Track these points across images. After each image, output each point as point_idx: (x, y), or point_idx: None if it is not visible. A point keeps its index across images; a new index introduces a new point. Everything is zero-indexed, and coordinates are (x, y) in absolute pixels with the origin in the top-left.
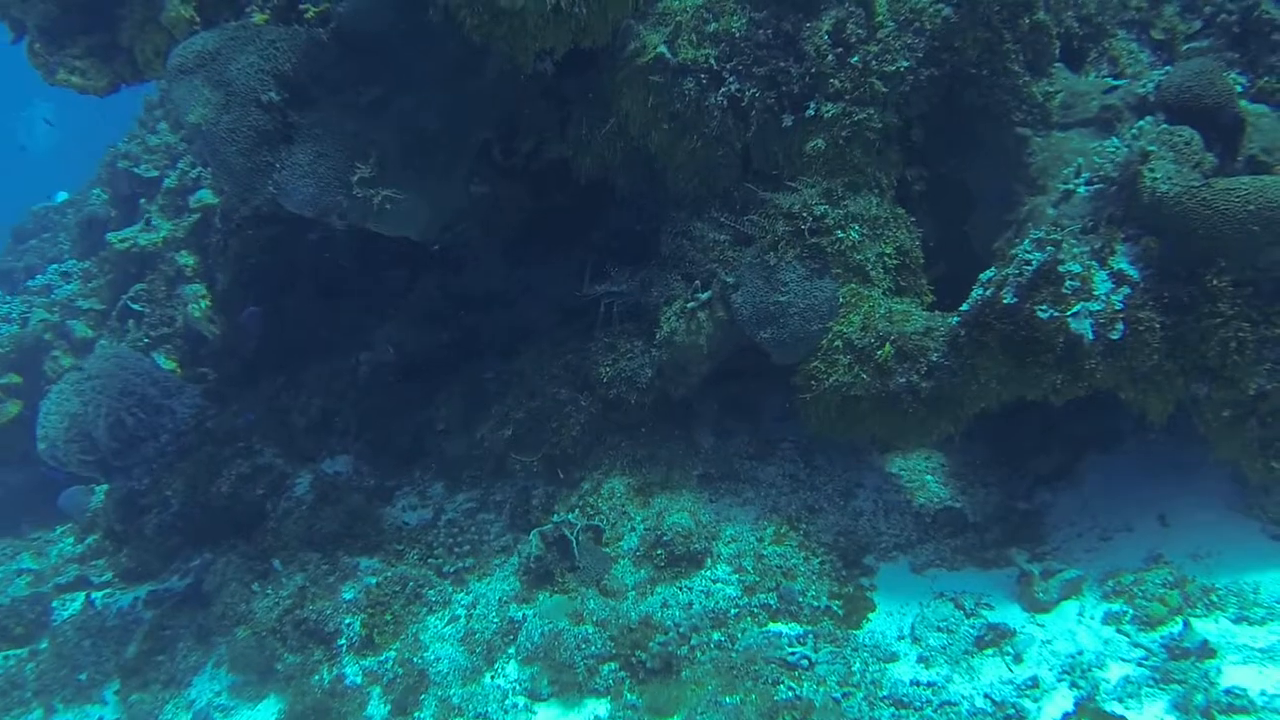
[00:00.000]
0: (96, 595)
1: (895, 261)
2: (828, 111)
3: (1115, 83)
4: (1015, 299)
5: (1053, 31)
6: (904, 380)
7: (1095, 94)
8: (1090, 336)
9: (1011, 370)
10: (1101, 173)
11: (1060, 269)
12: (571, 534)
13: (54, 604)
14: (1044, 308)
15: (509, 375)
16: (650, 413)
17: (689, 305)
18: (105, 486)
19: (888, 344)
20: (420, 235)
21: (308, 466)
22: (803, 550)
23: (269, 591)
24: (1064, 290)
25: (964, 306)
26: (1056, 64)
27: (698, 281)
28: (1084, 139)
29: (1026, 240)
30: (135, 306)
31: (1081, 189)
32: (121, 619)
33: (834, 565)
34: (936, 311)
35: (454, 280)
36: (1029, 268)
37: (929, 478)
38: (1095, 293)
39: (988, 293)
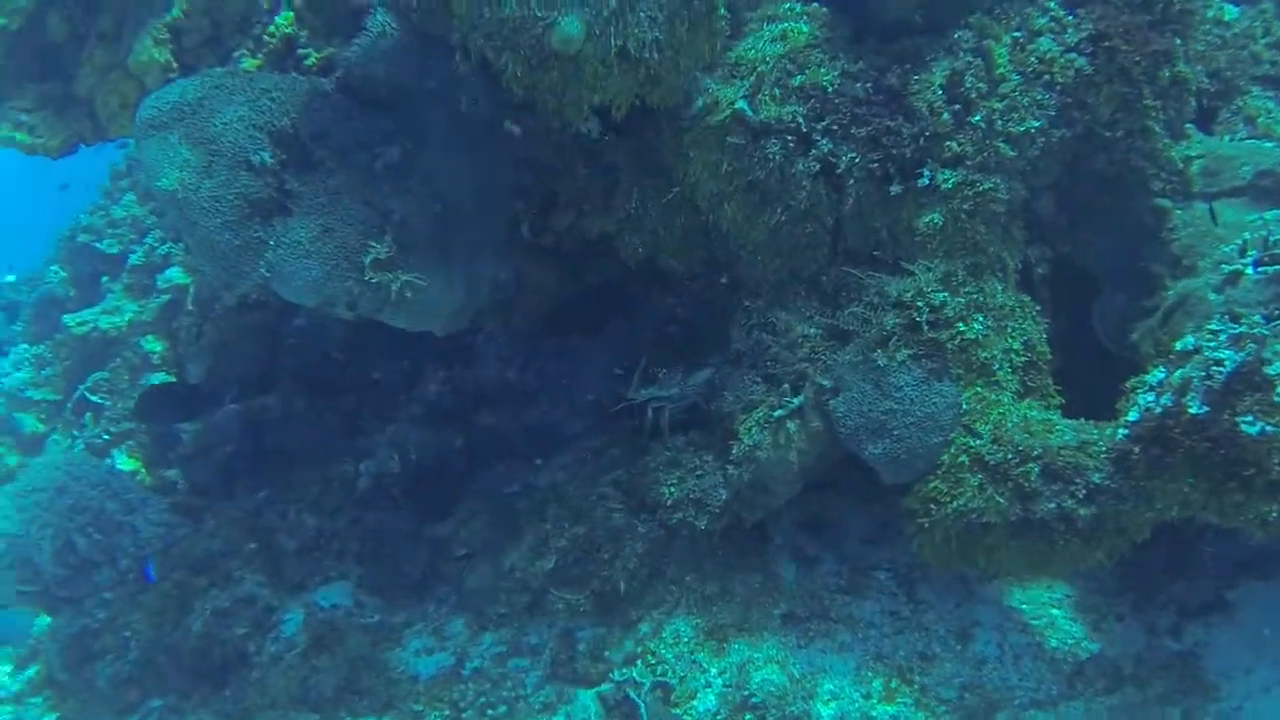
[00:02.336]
0: None
1: (1023, 359)
2: (946, 180)
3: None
4: (1207, 408)
5: (1193, 87)
6: (1054, 505)
7: (1247, 158)
8: None
9: (1204, 496)
10: (1276, 251)
11: (1267, 371)
12: (639, 696)
13: None
14: (1250, 420)
15: (543, 492)
16: (719, 539)
17: (776, 414)
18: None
19: (1031, 461)
20: (445, 328)
21: (298, 598)
22: (921, 709)
23: None
24: (1275, 399)
25: (1131, 415)
26: (1189, 125)
27: (786, 385)
28: (1238, 211)
29: (1206, 334)
30: (94, 398)
31: (1250, 270)
32: None
33: None
34: (1083, 420)
35: (464, 374)
36: (1221, 370)
37: (1056, 612)
38: None
39: (1165, 400)
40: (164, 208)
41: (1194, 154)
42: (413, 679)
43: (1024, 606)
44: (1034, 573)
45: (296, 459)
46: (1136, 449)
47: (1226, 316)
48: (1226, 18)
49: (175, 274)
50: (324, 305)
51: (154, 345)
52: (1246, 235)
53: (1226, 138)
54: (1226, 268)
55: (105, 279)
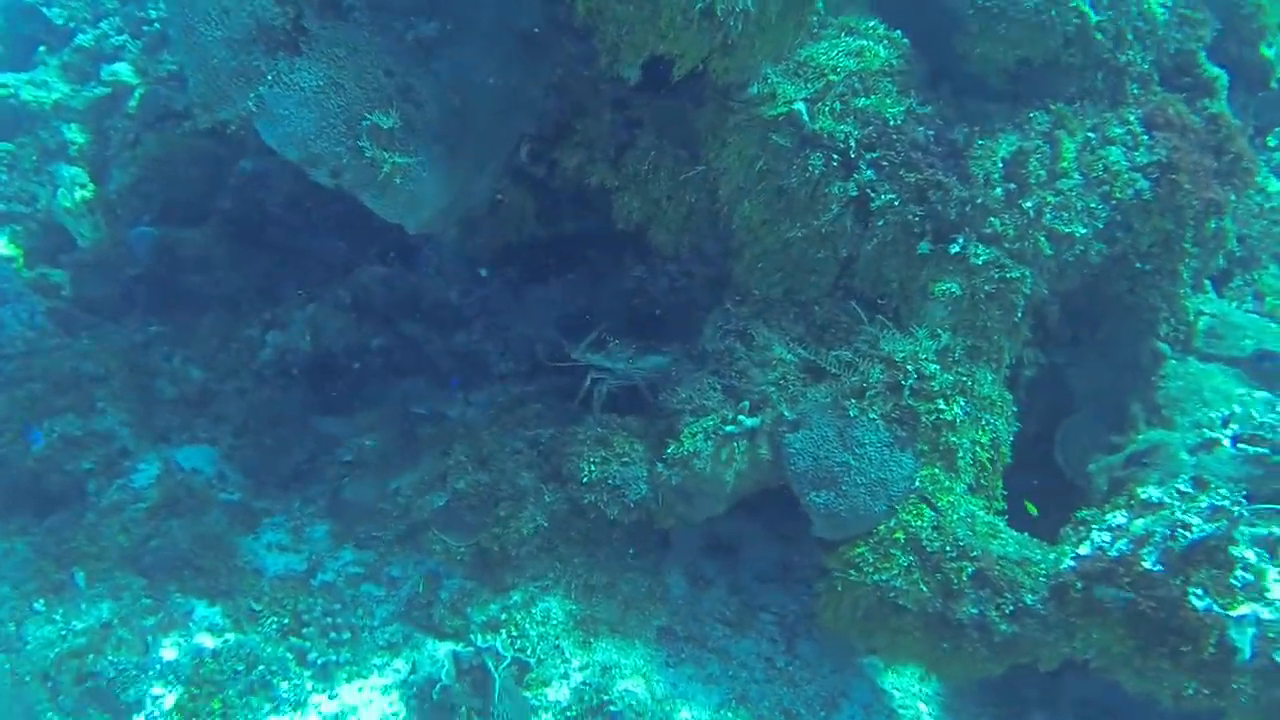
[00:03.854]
0: None
1: (985, 455)
2: (978, 255)
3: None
4: (1161, 568)
5: (1229, 246)
6: (976, 611)
7: (1254, 333)
8: (1248, 654)
9: (1128, 653)
10: (1261, 434)
11: (1231, 551)
12: (496, 669)
13: None
14: (1199, 594)
15: (453, 425)
16: (620, 531)
17: (727, 429)
18: None
19: (967, 560)
20: (419, 226)
21: (159, 450)
22: None
23: (56, 616)
24: (1232, 580)
25: (1084, 549)
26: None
27: (746, 403)
28: (1229, 380)
29: (1174, 492)
30: None
31: (1228, 443)
32: None
33: None
34: (1025, 534)
35: (403, 277)
36: (1186, 535)
37: (923, 708)
38: (1268, 595)
39: (1120, 545)
40: None
41: (1207, 310)
42: (257, 573)
43: (895, 692)
44: (927, 667)
45: (203, 305)
46: (1079, 584)
47: (1194, 481)
48: (1270, 189)
49: (124, 71)
50: (306, 163)
51: (76, 135)
52: (1235, 408)
53: (1234, 304)
54: (1208, 433)
55: (42, 49)
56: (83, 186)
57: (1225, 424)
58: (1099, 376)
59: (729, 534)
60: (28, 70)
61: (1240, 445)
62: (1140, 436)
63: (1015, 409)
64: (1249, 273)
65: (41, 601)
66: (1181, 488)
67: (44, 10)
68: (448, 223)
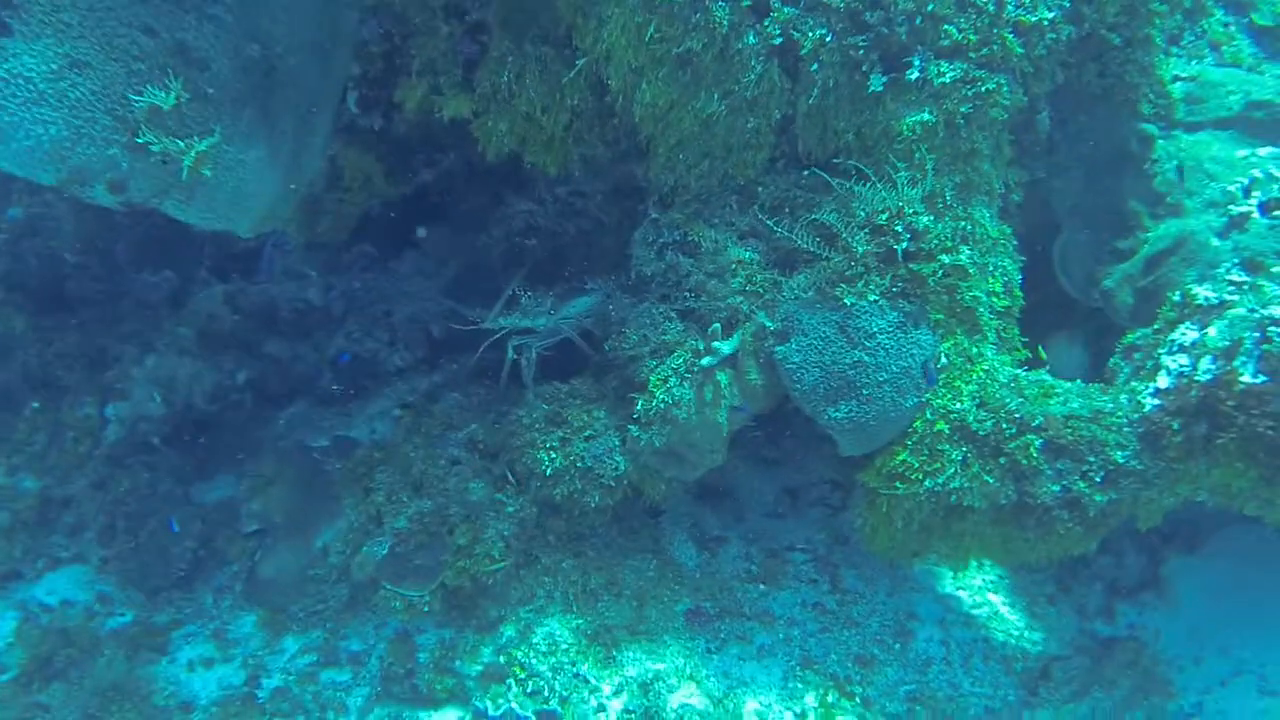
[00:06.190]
0: None
1: (1003, 303)
2: (942, 74)
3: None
4: (1266, 378)
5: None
6: (1059, 489)
7: (1236, 86)
8: None
9: (1252, 485)
10: None
11: None
12: None
13: None
14: None
15: (366, 450)
16: (601, 517)
17: (703, 362)
18: None
19: (1031, 433)
20: (255, 226)
21: (6, 592)
22: None
23: None
24: None
25: (1164, 381)
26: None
27: (716, 325)
28: (1225, 144)
29: (1228, 285)
30: None
31: (1258, 216)
32: None
33: None
34: (1079, 382)
35: (248, 291)
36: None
37: (996, 599)
38: None
39: (1207, 365)
40: None
41: (1183, 75)
42: (186, 707)
43: (961, 594)
44: (1003, 561)
45: (12, 398)
46: (1175, 424)
47: (1244, 266)
48: None
49: None
50: (70, 184)
51: None
52: (1254, 173)
53: (1195, 63)
54: (1232, 209)
55: None
56: None
57: (1247, 193)
58: (1086, 182)
59: (715, 478)
60: None
61: (1274, 213)
62: (1151, 234)
63: (1015, 243)
64: (1196, 24)
65: None
66: (1234, 278)
67: None
68: (287, 212)
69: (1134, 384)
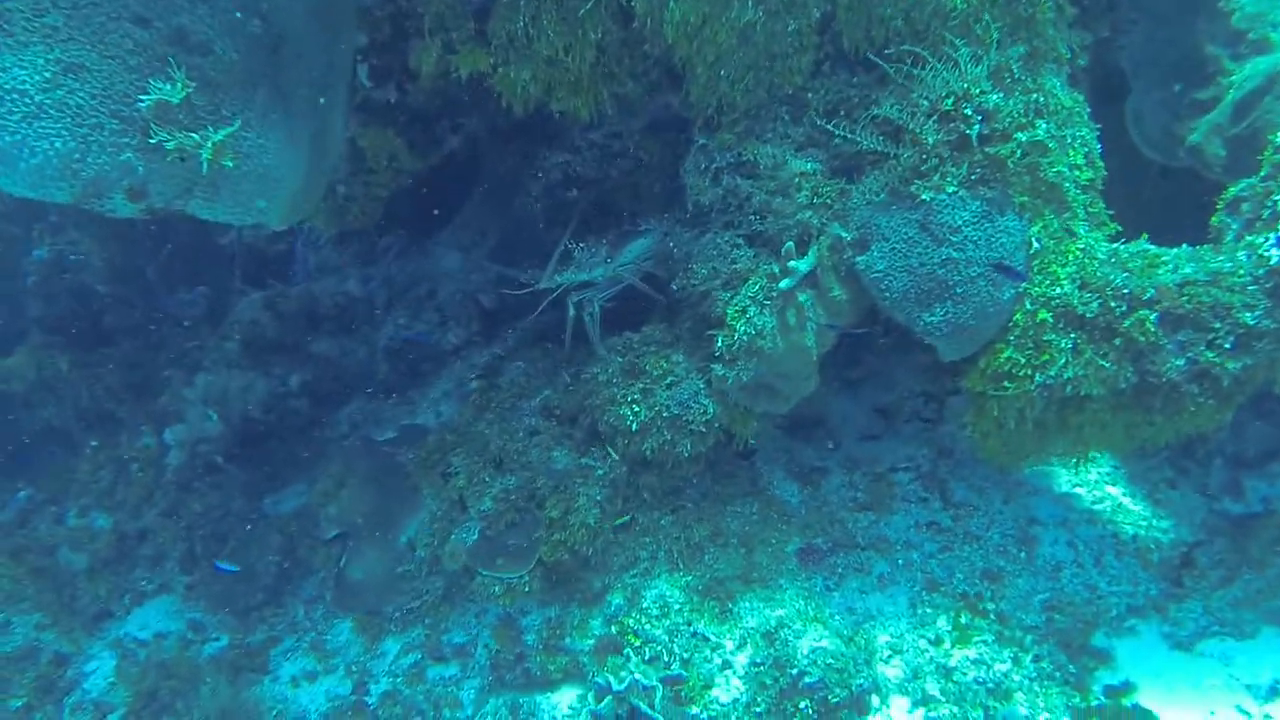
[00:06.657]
0: None
1: (1087, 175)
2: None
3: None
4: None
5: None
6: (1183, 361)
7: None
8: None
9: None
10: None
11: None
12: (648, 704)
13: None
14: None
15: (436, 434)
16: (693, 466)
17: (782, 285)
18: None
19: (1144, 307)
20: (286, 216)
21: (102, 634)
22: (1004, 645)
23: None
24: None
25: None
26: None
27: (789, 243)
28: None
29: None
30: None
31: None
32: None
33: (1058, 662)
34: (1185, 247)
35: (286, 293)
36: None
37: (1115, 490)
38: None
39: None
40: None
41: None
42: None
43: (1079, 491)
44: (1129, 449)
45: (70, 439)
46: None
47: None
48: None
49: None
50: (87, 199)
51: None
52: None
53: None
54: None
55: None
56: None
57: None
58: (1150, 34)
59: (802, 408)
60: None
61: None
62: (1235, 77)
63: (1089, 110)
64: None
65: None
66: None
67: None
68: (318, 196)
69: (1250, 238)
